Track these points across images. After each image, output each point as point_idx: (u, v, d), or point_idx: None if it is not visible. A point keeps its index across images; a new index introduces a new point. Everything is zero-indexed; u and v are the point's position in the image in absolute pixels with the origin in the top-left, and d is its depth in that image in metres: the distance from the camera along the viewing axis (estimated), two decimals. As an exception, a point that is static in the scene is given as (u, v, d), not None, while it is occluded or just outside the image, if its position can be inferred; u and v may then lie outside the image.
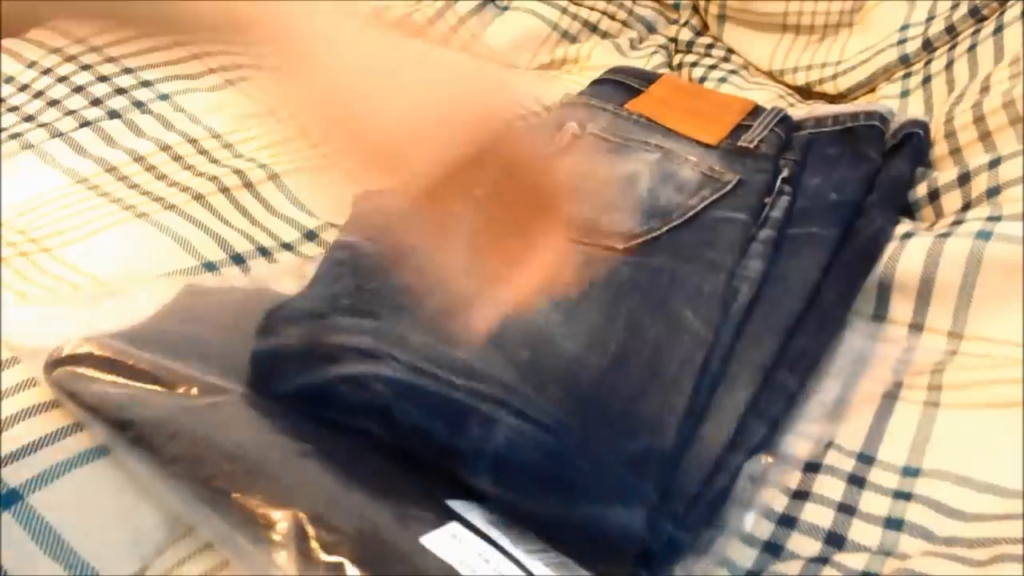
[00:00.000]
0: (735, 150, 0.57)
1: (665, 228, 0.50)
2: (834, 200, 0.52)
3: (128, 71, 0.63)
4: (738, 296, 0.45)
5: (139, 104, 0.61)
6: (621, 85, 0.65)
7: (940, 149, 0.56)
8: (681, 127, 0.59)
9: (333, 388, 0.37)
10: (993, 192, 0.50)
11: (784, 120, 0.59)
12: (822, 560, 0.35)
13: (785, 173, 0.54)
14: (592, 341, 0.42)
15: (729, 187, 0.53)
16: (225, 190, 0.54)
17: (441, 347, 0.38)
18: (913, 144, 0.56)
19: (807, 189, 0.54)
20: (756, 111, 0.61)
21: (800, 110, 0.64)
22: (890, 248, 0.48)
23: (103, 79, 0.62)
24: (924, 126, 0.57)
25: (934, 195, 0.54)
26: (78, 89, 0.61)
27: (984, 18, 0.66)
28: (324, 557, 0.30)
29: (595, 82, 0.67)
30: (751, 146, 0.57)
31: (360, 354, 0.37)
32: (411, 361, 0.37)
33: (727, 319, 0.44)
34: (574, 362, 0.41)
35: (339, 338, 0.39)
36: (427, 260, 0.36)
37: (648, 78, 0.66)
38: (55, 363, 0.38)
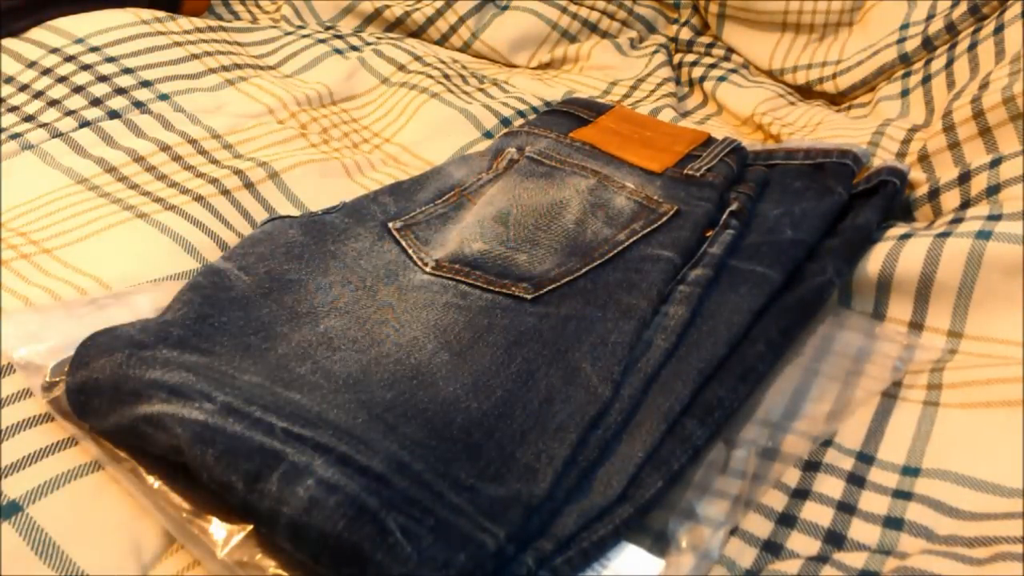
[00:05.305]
0: (679, 178, 0.55)
1: (585, 269, 0.48)
2: (788, 238, 0.49)
3: (128, 71, 0.63)
4: (651, 348, 0.42)
5: (139, 104, 0.61)
6: (571, 115, 0.63)
7: (938, 143, 0.56)
8: (626, 154, 0.57)
9: (136, 428, 0.34)
10: (993, 190, 0.50)
11: (737, 151, 0.57)
12: (822, 559, 0.35)
13: (734, 207, 0.52)
14: (477, 385, 0.40)
15: (664, 219, 0.51)
16: (226, 192, 0.54)
17: (277, 388, 0.36)
18: (886, 193, 0.53)
19: (766, 220, 0.52)
20: (709, 142, 0.59)
21: (770, 143, 0.62)
22: (888, 247, 0.48)
23: (103, 79, 0.62)
24: (902, 175, 0.54)
25: (934, 193, 0.54)
26: (78, 89, 0.61)
27: (984, 16, 0.66)
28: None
29: (544, 112, 0.65)
30: (697, 174, 0.55)
31: (168, 392, 0.34)
32: (228, 401, 0.34)
33: (635, 371, 0.41)
34: (450, 403, 0.38)
35: (150, 373, 0.35)
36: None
37: (599, 109, 0.64)
38: (52, 385, 0.38)
